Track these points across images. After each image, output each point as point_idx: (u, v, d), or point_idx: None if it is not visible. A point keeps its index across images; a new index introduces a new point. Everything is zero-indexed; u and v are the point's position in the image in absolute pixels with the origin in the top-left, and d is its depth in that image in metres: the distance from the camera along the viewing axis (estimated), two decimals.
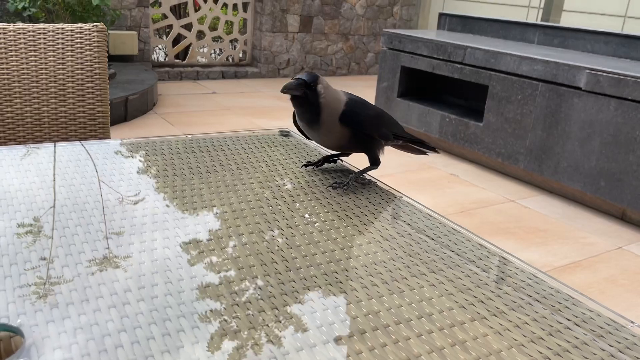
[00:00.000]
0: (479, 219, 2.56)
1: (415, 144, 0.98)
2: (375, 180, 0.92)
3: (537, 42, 3.67)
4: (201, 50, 5.30)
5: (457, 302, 0.58)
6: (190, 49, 5.20)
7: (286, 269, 0.61)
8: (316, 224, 0.73)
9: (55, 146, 0.94)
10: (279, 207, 0.78)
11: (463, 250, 0.70)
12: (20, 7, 3.40)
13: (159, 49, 5.42)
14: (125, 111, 3.64)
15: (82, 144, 0.97)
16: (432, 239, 0.72)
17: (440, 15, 4.34)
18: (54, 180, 0.79)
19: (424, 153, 1.00)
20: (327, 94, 0.86)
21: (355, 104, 0.88)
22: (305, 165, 0.94)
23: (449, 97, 3.79)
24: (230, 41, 5.44)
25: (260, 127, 3.81)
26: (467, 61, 3.25)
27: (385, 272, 0.63)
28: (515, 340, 0.52)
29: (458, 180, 3.07)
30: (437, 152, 1.00)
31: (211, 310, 0.53)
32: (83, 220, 0.69)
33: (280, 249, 0.66)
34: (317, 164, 0.94)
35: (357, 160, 0.99)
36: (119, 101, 3.55)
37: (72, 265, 0.59)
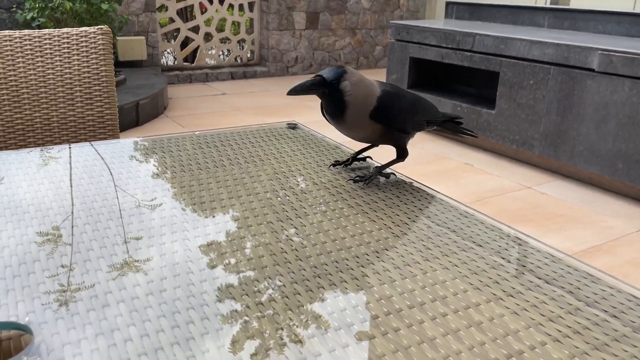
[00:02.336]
0: (496, 207, 2.53)
1: (451, 127, 0.93)
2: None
3: (547, 25, 3.62)
4: (209, 52, 5.32)
5: (471, 284, 0.56)
6: (198, 52, 5.22)
7: (296, 258, 0.61)
8: (326, 212, 0.72)
9: (70, 148, 0.95)
10: (288, 197, 0.77)
11: (476, 232, 0.68)
12: (29, 17, 3.43)
13: (168, 52, 5.44)
14: (137, 116, 3.67)
15: (92, 145, 0.97)
16: (444, 222, 0.71)
17: (448, 3, 4.29)
18: (71, 185, 0.79)
19: (462, 134, 0.94)
20: (355, 90, 0.78)
21: (388, 98, 0.81)
22: (334, 165, 0.89)
23: (460, 86, 3.75)
24: (238, 42, 5.44)
25: None
26: (476, 48, 3.21)
27: (397, 257, 0.61)
28: (533, 319, 0.51)
29: (472, 170, 3.03)
30: (475, 136, 0.95)
31: (220, 301, 0.52)
32: (100, 224, 0.68)
33: (290, 239, 0.65)
34: (346, 163, 0.89)
35: (381, 153, 0.95)
36: (130, 106, 3.57)
37: (81, 262, 0.58)
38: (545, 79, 2.87)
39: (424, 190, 0.82)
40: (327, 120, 0.85)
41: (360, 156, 0.91)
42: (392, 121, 0.82)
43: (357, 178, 0.83)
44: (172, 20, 5.05)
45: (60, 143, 1.28)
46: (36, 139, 1.26)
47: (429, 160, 3.17)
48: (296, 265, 0.59)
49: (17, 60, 1.24)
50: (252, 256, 0.61)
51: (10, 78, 1.23)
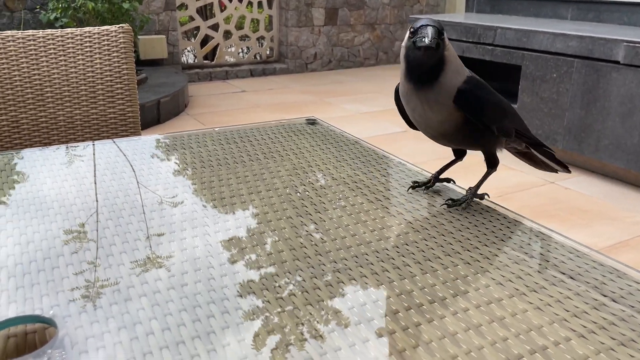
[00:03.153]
0: (519, 203, 2.49)
1: (542, 154, 0.79)
2: (405, 163, 0.90)
3: (571, 17, 3.55)
4: (229, 49, 5.34)
5: (493, 279, 0.56)
6: (218, 49, 5.25)
7: (316, 253, 0.60)
8: (345, 208, 0.72)
9: (94, 145, 0.96)
10: (307, 193, 0.77)
11: (498, 227, 0.67)
12: (52, 17, 3.49)
13: (188, 51, 5.49)
14: (158, 114, 3.71)
15: (114, 142, 0.98)
16: (466, 217, 0.70)
17: None
18: (95, 182, 0.80)
19: (554, 170, 0.79)
20: (450, 49, 0.68)
21: (477, 84, 0.70)
22: (413, 187, 0.78)
23: None
24: (257, 39, 5.46)
25: None
26: (498, 42, 3.16)
27: (417, 252, 0.61)
28: (557, 315, 0.50)
29: None
30: (568, 171, 0.79)
31: (240, 295, 0.52)
32: (122, 220, 0.69)
33: (310, 234, 0.65)
34: (427, 185, 0.78)
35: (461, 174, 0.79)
36: (151, 104, 3.61)
37: (104, 257, 0.59)
38: (569, 72, 2.82)
39: (445, 185, 0.81)
40: (399, 107, 0.74)
41: (442, 177, 0.79)
42: (478, 111, 0.68)
43: (450, 202, 0.72)
44: (192, 19, 5.08)
45: (83, 140, 1.30)
46: (60, 136, 1.28)
47: (450, 155, 3.14)
48: (316, 260, 0.59)
49: (41, 59, 1.26)
50: (272, 251, 0.61)
51: (34, 77, 1.25)
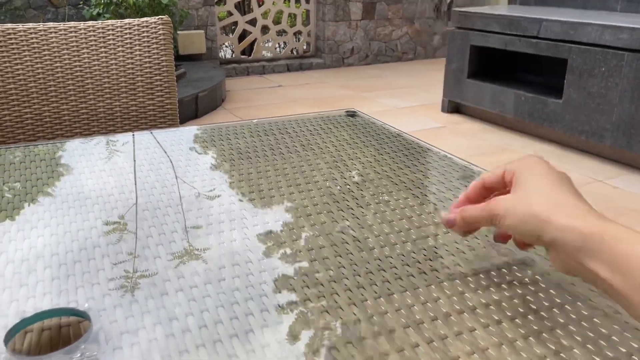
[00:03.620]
0: None
1: None
2: (451, 156, 0.85)
3: (620, 9, 3.39)
4: (266, 44, 5.35)
5: (550, 281, 0.51)
6: (255, 44, 5.26)
7: (359, 250, 0.57)
8: (389, 203, 0.68)
9: (134, 136, 0.95)
10: (348, 186, 0.73)
11: None
12: (95, 13, 3.56)
13: (226, 46, 5.52)
14: (196, 108, 3.74)
15: (152, 133, 0.97)
16: None
17: None
18: (134, 174, 0.79)
19: None
20: None
21: None
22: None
23: (524, 75, 3.58)
24: (294, 34, 5.45)
25: None
26: (542, 35, 3.05)
27: (468, 251, 0.57)
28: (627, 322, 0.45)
29: None
30: None
31: (279, 292, 0.50)
32: (159, 211, 0.68)
33: (352, 229, 0.62)
34: None
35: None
36: (189, 99, 3.64)
37: (140, 250, 0.57)
38: (618, 66, 2.69)
39: None
40: None
41: None
42: None
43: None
44: (230, 14, 5.11)
45: (122, 132, 1.30)
46: (100, 128, 1.29)
47: (491, 151, 3.05)
48: (358, 257, 0.56)
49: (82, 51, 1.27)
50: (312, 246, 0.58)
51: (75, 69, 1.26)
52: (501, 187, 0.49)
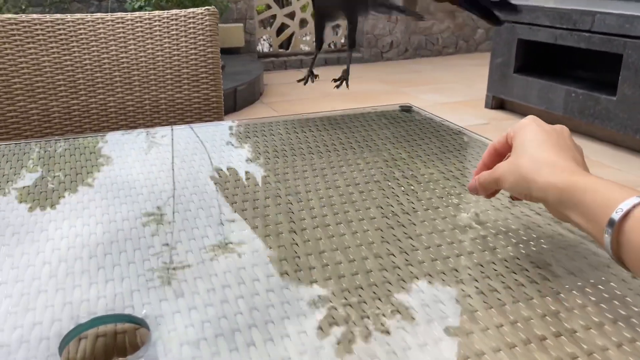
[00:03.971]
0: None
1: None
2: None
3: None
4: (304, 38, 5.31)
5: (589, 281, 0.45)
6: (293, 38, 5.24)
7: (432, 258, 0.52)
8: (459, 206, 0.63)
9: (172, 129, 0.92)
10: (412, 187, 0.68)
11: None
12: (136, 6, 3.59)
13: (264, 39, 5.51)
14: (235, 102, 3.73)
15: (191, 127, 0.94)
16: None
17: None
18: (173, 168, 0.76)
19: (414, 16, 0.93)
20: None
21: None
22: (301, 80, 0.97)
23: (574, 70, 3.44)
24: (332, 27, 5.39)
25: None
26: (596, 29, 2.91)
27: (532, 269, 0.51)
28: None
29: (588, 161, 2.76)
30: (422, 19, 0.96)
31: (333, 292, 0.45)
32: (202, 203, 0.64)
33: (397, 239, 0.57)
34: (305, 80, 0.96)
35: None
36: (228, 92, 3.63)
37: (196, 251, 0.54)
38: None
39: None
40: None
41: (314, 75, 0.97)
42: None
43: (339, 82, 0.95)
44: (268, 7, 5.09)
45: (167, 125, 1.28)
46: (145, 120, 1.27)
47: None
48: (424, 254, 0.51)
49: (129, 42, 1.25)
50: (373, 240, 0.53)
51: (122, 60, 1.25)
52: (508, 150, 0.53)
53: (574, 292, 0.46)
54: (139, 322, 0.44)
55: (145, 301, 0.46)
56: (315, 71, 1.02)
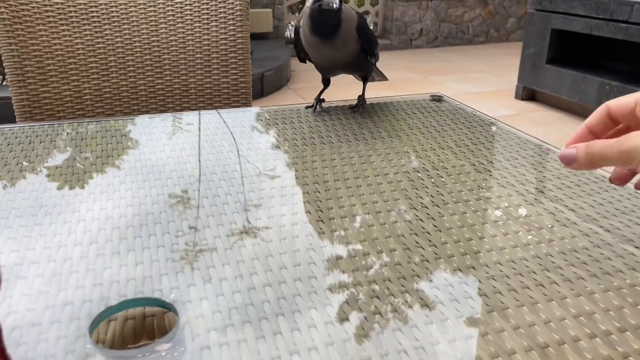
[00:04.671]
0: None
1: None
2: (555, 149, 0.77)
3: None
4: None
5: (601, 285, 0.44)
6: None
7: (468, 255, 0.51)
8: (490, 200, 0.62)
9: (200, 114, 0.93)
10: (442, 179, 0.67)
11: None
12: None
13: (292, 25, 5.48)
14: (262, 87, 3.73)
15: (218, 113, 0.94)
16: (627, 226, 0.57)
17: None
18: (199, 152, 0.76)
19: (378, 79, 1.04)
20: (345, 8, 0.85)
21: (363, 18, 0.90)
22: (310, 107, 0.96)
23: (609, 62, 3.34)
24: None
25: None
26: (634, 19, 2.82)
27: (591, 262, 0.50)
28: None
29: None
30: (386, 79, 1.05)
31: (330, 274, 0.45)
32: (230, 189, 0.64)
33: (451, 229, 0.56)
34: (315, 107, 0.94)
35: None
36: (255, 77, 3.63)
37: (224, 237, 0.54)
38: None
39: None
40: (298, 49, 0.93)
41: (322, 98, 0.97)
42: (369, 40, 0.90)
43: (351, 109, 0.94)
44: None
45: (196, 109, 1.28)
46: (175, 104, 1.28)
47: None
48: (443, 249, 0.50)
49: (160, 26, 1.26)
50: (402, 233, 0.53)
51: (153, 44, 1.25)
52: (630, 120, 0.42)
53: (610, 292, 0.45)
54: (168, 307, 0.44)
55: (173, 285, 0.47)
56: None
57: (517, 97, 3.67)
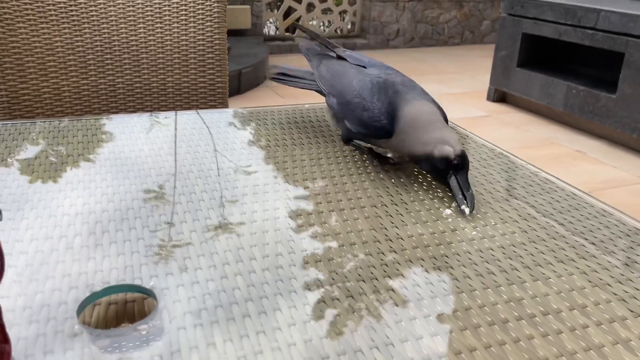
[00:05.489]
0: (610, 201, 2.33)
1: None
2: (507, 154, 0.84)
3: None
4: (310, 22, 5.32)
5: (615, 295, 0.50)
6: (300, 22, 5.24)
7: (390, 249, 0.57)
8: (447, 203, 0.68)
9: (176, 114, 0.97)
10: (401, 179, 0.73)
11: (617, 234, 0.61)
12: None
13: (270, 22, 5.51)
14: (239, 84, 3.76)
15: (198, 113, 0.98)
16: (579, 220, 0.64)
17: None
18: (175, 149, 0.81)
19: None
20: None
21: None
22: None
23: (577, 67, 3.46)
24: (340, 12, 5.39)
25: None
26: (600, 26, 2.93)
27: (526, 256, 0.56)
28: None
29: (585, 158, 2.81)
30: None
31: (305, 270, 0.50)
32: (206, 187, 0.69)
33: (384, 227, 0.62)
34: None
35: None
36: (233, 74, 3.66)
37: (199, 231, 0.59)
38: None
39: (554, 182, 0.75)
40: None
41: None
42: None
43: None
44: None
45: (173, 108, 1.32)
46: (153, 102, 1.31)
47: (537, 144, 2.97)
48: (414, 253, 0.56)
49: (139, 26, 1.29)
50: (368, 246, 0.58)
51: (132, 43, 1.28)
52: None
53: (563, 277, 0.52)
54: (147, 293, 0.49)
55: (152, 274, 0.51)
56: None
57: (488, 98, 3.77)
